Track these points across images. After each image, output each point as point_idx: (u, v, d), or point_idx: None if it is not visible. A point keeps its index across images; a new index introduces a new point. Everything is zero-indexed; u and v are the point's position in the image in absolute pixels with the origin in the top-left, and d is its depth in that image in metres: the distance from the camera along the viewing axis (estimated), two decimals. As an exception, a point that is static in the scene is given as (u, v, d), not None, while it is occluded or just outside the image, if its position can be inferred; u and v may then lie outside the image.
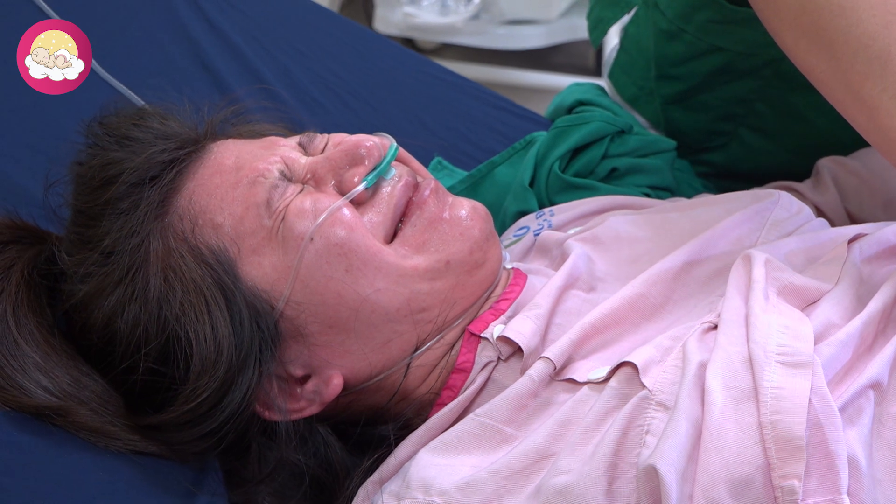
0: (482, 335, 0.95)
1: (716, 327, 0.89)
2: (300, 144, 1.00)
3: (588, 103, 1.33)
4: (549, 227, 1.12)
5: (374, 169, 0.96)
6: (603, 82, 1.42)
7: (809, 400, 0.80)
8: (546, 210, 1.15)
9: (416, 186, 0.98)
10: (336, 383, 0.94)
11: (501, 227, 1.19)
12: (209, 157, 0.98)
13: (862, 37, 0.90)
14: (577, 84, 1.43)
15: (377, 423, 0.97)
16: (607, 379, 0.88)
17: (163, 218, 0.95)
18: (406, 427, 0.95)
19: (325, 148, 1.00)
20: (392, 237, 0.96)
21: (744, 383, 0.82)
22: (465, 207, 0.98)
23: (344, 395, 0.95)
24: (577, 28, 2.83)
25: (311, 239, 0.92)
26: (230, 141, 1.01)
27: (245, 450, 0.93)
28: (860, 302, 0.90)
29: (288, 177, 0.96)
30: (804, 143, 1.27)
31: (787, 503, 0.78)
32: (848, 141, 1.21)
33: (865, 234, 0.97)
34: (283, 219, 0.93)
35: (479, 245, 0.97)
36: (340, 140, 0.99)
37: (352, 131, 1.27)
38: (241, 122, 1.06)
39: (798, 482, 0.78)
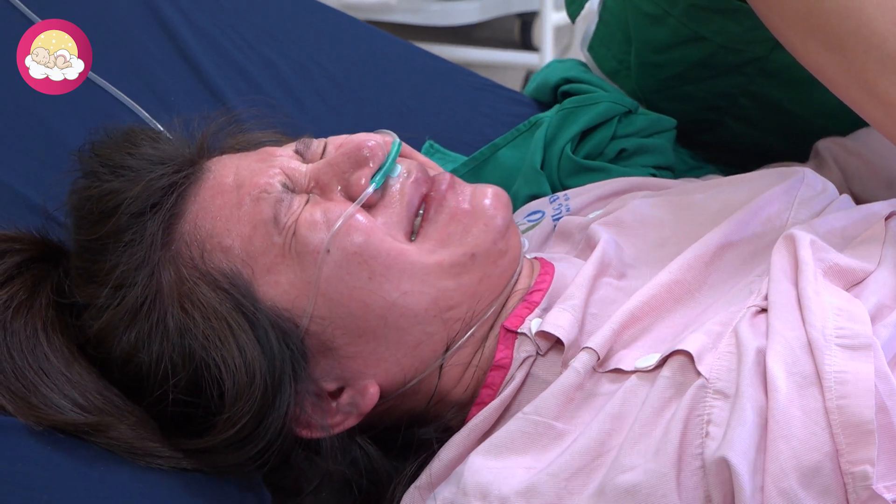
0: (519, 330, 0.93)
1: (763, 311, 0.87)
2: (297, 152, 0.97)
3: (574, 80, 1.32)
4: (568, 211, 1.10)
5: (380, 169, 0.93)
6: (582, 56, 1.41)
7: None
8: (560, 194, 1.13)
9: (428, 181, 0.95)
10: (373, 392, 0.92)
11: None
12: (207, 177, 0.94)
13: (872, 36, 0.91)
14: (559, 61, 1.42)
15: (416, 426, 0.94)
16: (657, 367, 0.86)
17: (169, 246, 0.92)
18: (447, 429, 0.93)
19: (324, 152, 0.97)
20: (411, 235, 0.94)
21: (806, 368, 0.81)
22: (489, 195, 0.95)
23: (380, 403, 0.93)
24: (511, 3, 2.83)
25: (328, 251, 0.90)
26: (226, 157, 0.98)
27: (288, 466, 0.91)
28: None
29: (291, 188, 0.93)
30: (790, 132, 1.28)
31: (859, 489, 0.77)
32: (834, 131, 1.22)
33: None
34: (294, 234, 0.90)
35: (502, 234, 0.94)
36: (341, 142, 0.96)
37: (340, 121, 1.26)
38: (234, 132, 1.03)
39: (871, 467, 0.77)
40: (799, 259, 0.89)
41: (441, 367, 0.93)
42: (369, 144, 0.94)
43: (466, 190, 0.96)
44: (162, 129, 1.05)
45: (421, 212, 0.95)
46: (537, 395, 0.89)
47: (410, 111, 1.31)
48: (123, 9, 1.23)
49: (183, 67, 1.24)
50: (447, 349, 0.93)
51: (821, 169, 1.18)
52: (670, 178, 1.23)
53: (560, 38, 3.02)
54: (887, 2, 0.91)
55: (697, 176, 1.30)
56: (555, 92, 1.34)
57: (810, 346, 0.83)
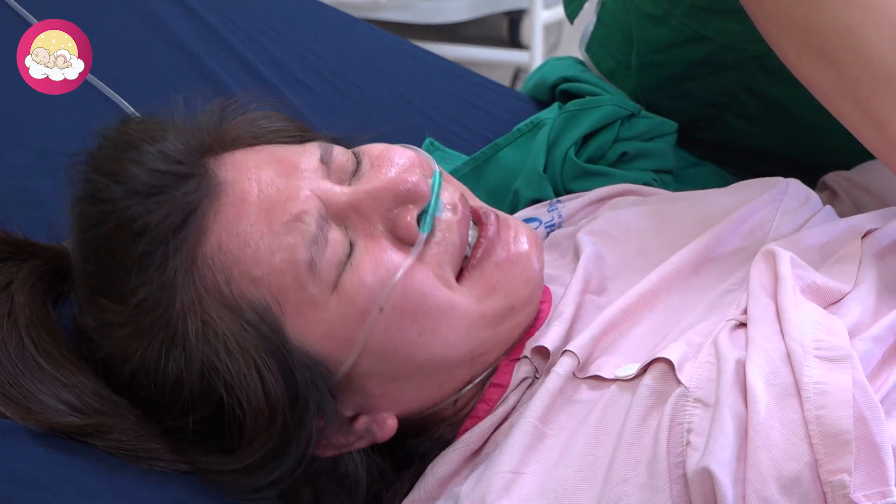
0: (522, 356, 0.93)
1: (742, 325, 0.88)
2: (322, 161, 0.91)
3: (573, 80, 1.31)
4: (560, 217, 1.10)
5: (426, 209, 0.89)
6: (576, 54, 1.41)
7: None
8: (556, 201, 1.14)
9: (468, 214, 0.92)
10: (391, 425, 0.91)
11: (512, 210, 1.17)
12: (227, 191, 0.88)
13: (870, 55, 0.91)
14: (556, 59, 1.42)
15: (410, 437, 0.94)
16: (637, 376, 0.87)
17: (192, 269, 0.86)
18: (440, 440, 0.94)
19: (358, 168, 0.92)
20: (458, 275, 0.91)
21: (785, 379, 0.82)
22: (526, 241, 0.93)
23: None
24: (500, 0, 2.83)
25: (381, 309, 0.86)
26: (238, 158, 0.91)
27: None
28: (882, 300, 0.90)
29: (325, 217, 0.88)
30: (790, 130, 1.28)
31: (838, 497, 0.77)
32: (834, 129, 1.22)
33: (875, 230, 0.97)
34: (334, 286, 0.86)
35: (539, 285, 0.94)
36: (378, 154, 0.92)
37: (342, 115, 1.25)
38: (241, 122, 0.96)
39: (848, 476, 0.77)
40: (779, 274, 0.90)
41: (456, 401, 0.93)
42: (413, 180, 0.89)
43: (511, 233, 0.93)
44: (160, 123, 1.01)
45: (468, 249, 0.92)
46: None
47: (410, 106, 1.30)
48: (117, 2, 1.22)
49: (182, 56, 1.22)
50: (467, 384, 0.93)
51: (833, 201, 1.18)
52: (670, 181, 1.23)
53: (548, 36, 3.02)
54: (885, 22, 0.91)
55: (695, 173, 1.30)
56: (553, 90, 1.34)
57: (789, 358, 0.83)
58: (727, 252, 0.98)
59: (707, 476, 0.78)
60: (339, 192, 0.89)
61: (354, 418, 0.91)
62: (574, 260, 1.00)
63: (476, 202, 0.96)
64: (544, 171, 1.17)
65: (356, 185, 0.91)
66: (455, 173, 1.19)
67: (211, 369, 0.85)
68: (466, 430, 0.92)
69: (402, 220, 0.88)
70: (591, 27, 1.37)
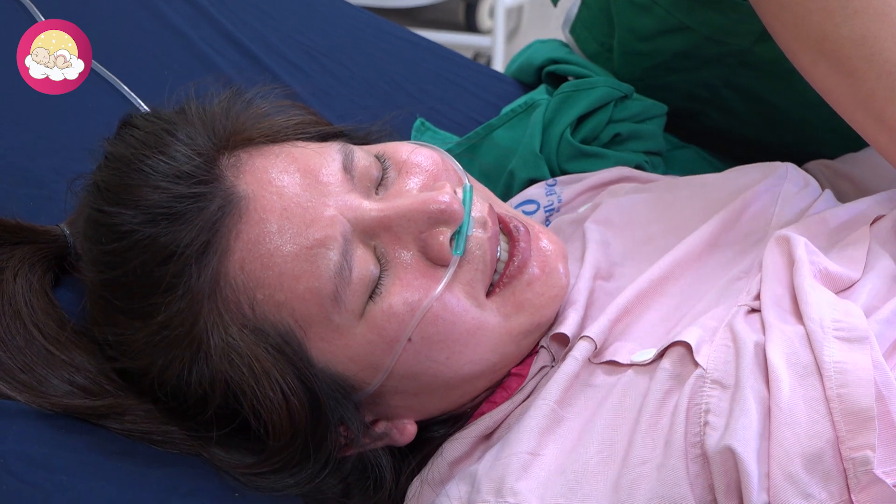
0: (540, 346, 0.94)
1: (755, 311, 0.89)
2: (344, 168, 0.88)
3: (560, 61, 1.32)
4: (560, 202, 1.11)
5: (459, 230, 0.87)
6: (563, 38, 1.41)
7: None
8: (549, 181, 1.14)
9: (511, 236, 0.91)
10: (410, 430, 0.92)
11: (507, 190, 1.17)
12: (249, 207, 0.85)
13: (886, 64, 0.93)
14: (541, 42, 1.42)
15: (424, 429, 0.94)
16: (654, 360, 0.88)
17: (215, 290, 0.85)
18: (453, 421, 0.94)
19: (383, 176, 0.89)
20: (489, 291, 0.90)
21: (805, 359, 0.83)
22: (556, 255, 0.92)
23: None
24: (462, -16, 2.83)
25: (410, 339, 0.86)
26: (258, 165, 0.87)
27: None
28: (891, 286, 0.92)
29: (350, 238, 0.85)
30: (772, 123, 1.29)
31: (860, 474, 0.78)
32: (817, 123, 1.24)
33: (882, 216, 0.99)
34: (361, 316, 0.85)
35: (562, 300, 0.93)
36: (405, 160, 0.90)
37: (334, 97, 1.24)
38: (255, 118, 0.93)
39: (871, 452, 0.78)
40: (795, 258, 0.91)
41: (474, 398, 0.93)
42: (444, 200, 0.86)
43: (541, 244, 0.92)
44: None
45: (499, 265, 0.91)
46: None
47: (399, 88, 1.30)
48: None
49: (172, 38, 1.21)
50: (486, 389, 0.93)
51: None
52: (659, 163, 1.24)
53: (508, 20, 3.02)
54: None
55: (680, 155, 1.31)
56: (539, 72, 1.34)
57: (808, 339, 0.84)
58: (733, 238, 0.99)
59: (729, 454, 0.79)
60: (368, 208, 0.87)
61: (374, 423, 0.91)
62: (582, 248, 1.00)
63: (502, 209, 0.95)
64: (540, 151, 1.17)
65: (385, 196, 0.89)
66: (449, 152, 1.19)
67: (235, 389, 0.84)
68: (482, 413, 0.92)
69: (435, 241, 0.87)
70: (576, 9, 1.38)
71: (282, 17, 1.30)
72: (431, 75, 1.33)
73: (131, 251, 0.84)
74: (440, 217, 0.86)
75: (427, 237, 0.87)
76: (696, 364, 0.85)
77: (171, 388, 0.86)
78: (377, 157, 0.91)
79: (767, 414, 0.81)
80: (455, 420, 0.94)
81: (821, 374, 0.82)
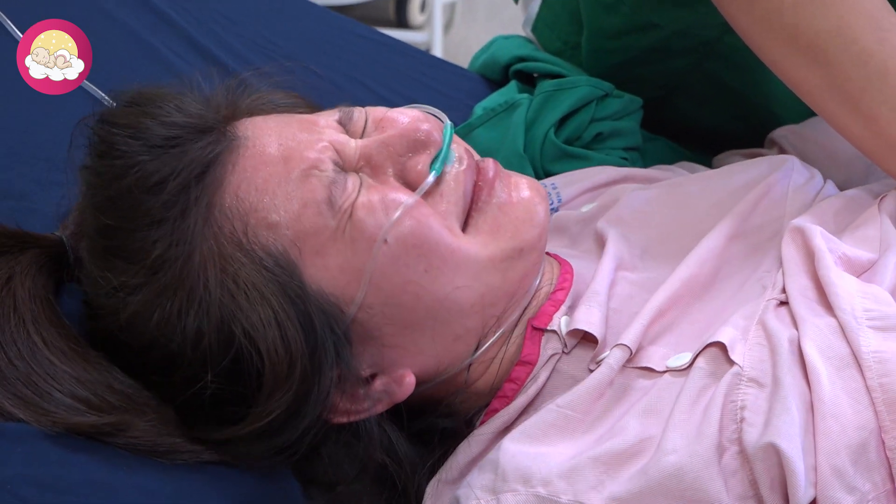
0: (548, 328, 0.92)
1: (784, 303, 0.89)
2: (340, 123, 0.92)
3: (529, 59, 1.32)
4: (560, 201, 1.10)
5: (437, 156, 0.90)
6: (524, 34, 1.41)
7: None
8: (547, 182, 1.14)
9: (475, 166, 0.93)
10: (409, 381, 0.90)
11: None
12: (246, 144, 0.89)
13: (860, 54, 0.94)
14: (504, 38, 1.41)
15: (434, 416, 0.93)
16: (690, 365, 0.87)
17: (209, 219, 0.86)
18: (466, 420, 0.93)
19: (365, 126, 0.93)
20: (464, 226, 0.91)
21: (841, 351, 0.83)
22: (528, 188, 0.93)
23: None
24: (394, -19, 2.83)
25: (385, 240, 0.86)
26: (258, 120, 0.92)
27: (319, 458, 0.89)
28: None
29: (341, 166, 0.89)
30: (739, 113, 1.30)
31: None
32: (781, 112, 1.25)
33: (885, 195, 0.99)
34: (349, 217, 0.87)
35: (545, 228, 0.93)
36: (382, 117, 0.93)
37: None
38: (251, 93, 0.97)
39: None
40: (814, 248, 0.91)
41: (470, 364, 0.92)
42: (424, 128, 0.90)
43: (510, 178, 0.94)
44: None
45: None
46: (563, 390, 0.89)
47: (364, 87, 1.29)
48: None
49: (136, 46, 1.20)
50: (479, 344, 0.92)
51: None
52: (637, 158, 1.24)
53: (442, 16, 3.02)
54: (872, 21, 0.94)
55: (650, 148, 1.32)
56: (506, 70, 1.34)
57: (842, 330, 0.84)
58: (749, 233, 0.99)
59: (772, 451, 0.79)
60: (352, 142, 0.91)
61: (372, 379, 0.90)
62: (597, 246, 1.00)
63: (478, 156, 0.96)
64: (523, 151, 1.17)
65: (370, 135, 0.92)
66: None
67: (230, 319, 0.84)
68: (495, 410, 0.91)
69: (413, 164, 0.90)
70: (537, 8, 1.38)
71: (245, 21, 1.29)
72: (396, 74, 1.33)
73: (124, 170, 0.87)
74: (418, 142, 0.90)
75: (405, 161, 0.90)
76: (732, 362, 0.84)
77: (168, 333, 0.85)
78: (366, 114, 0.94)
79: (809, 409, 0.81)
80: (456, 413, 0.92)
81: (859, 365, 0.82)
